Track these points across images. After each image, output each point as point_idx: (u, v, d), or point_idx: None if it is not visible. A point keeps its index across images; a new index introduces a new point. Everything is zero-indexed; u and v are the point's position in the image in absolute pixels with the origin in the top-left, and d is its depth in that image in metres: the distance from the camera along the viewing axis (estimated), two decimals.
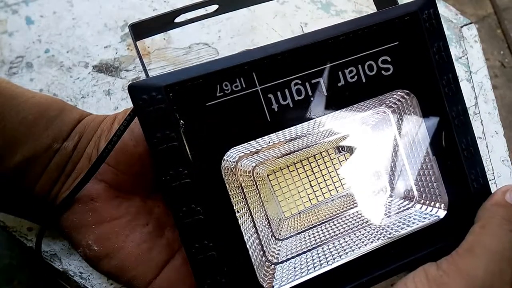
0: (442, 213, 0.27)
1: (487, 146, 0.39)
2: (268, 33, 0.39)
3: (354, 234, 0.29)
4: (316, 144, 0.33)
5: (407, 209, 0.30)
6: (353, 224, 0.30)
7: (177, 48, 0.37)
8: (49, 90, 0.34)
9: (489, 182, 0.27)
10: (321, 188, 0.34)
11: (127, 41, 0.37)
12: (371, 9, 0.41)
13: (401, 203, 0.31)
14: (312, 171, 0.34)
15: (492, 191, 0.27)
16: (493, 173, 0.38)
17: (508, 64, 1.15)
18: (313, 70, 0.24)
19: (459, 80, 0.27)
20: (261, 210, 0.31)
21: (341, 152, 0.35)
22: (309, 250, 0.28)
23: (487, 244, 0.24)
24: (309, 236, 0.30)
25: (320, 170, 0.35)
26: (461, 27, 0.42)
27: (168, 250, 0.27)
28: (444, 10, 0.43)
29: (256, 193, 0.31)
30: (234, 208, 0.24)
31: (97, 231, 0.26)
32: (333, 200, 0.35)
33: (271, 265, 0.27)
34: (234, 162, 0.28)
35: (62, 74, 0.35)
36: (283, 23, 0.40)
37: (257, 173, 0.32)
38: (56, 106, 0.27)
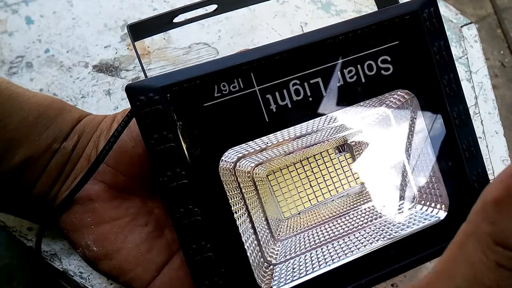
0: (442, 214, 0.27)
1: (487, 146, 0.39)
2: (268, 33, 0.39)
3: (354, 235, 0.28)
4: (315, 144, 0.33)
5: (408, 210, 0.30)
6: (353, 224, 0.30)
7: (177, 48, 0.37)
8: (49, 90, 0.34)
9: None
10: (321, 189, 0.34)
11: (127, 41, 0.37)
12: (371, 9, 0.41)
13: (401, 204, 0.31)
14: (312, 172, 0.34)
15: None
16: (493, 173, 0.38)
17: (508, 64, 1.14)
18: (311, 70, 0.24)
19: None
20: (260, 210, 0.31)
21: (341, 152, 0.35)
22: (308, 251, 0.28)
23: (461, 273, 0.17)
24: (308, 236, 0.30)
25: (320, 171, 0.34)
26: (461, 27, 0.42)
27: (167, 250, 0.27)
28: (444, 10, 0.43)
29: (255, 194, 0.31)
30: (232, 209, 0.24)
31: (96, 232, 0.26)
32: (333, 200, 0.34)
33: (269, 266, 0.27)
34: (232, 162, 0.28)
35: (62, 74, 0.35)
36: (283, 23, 0.39)
37: (256, 174, 0.32)
38: (56, 106, 0.27)
